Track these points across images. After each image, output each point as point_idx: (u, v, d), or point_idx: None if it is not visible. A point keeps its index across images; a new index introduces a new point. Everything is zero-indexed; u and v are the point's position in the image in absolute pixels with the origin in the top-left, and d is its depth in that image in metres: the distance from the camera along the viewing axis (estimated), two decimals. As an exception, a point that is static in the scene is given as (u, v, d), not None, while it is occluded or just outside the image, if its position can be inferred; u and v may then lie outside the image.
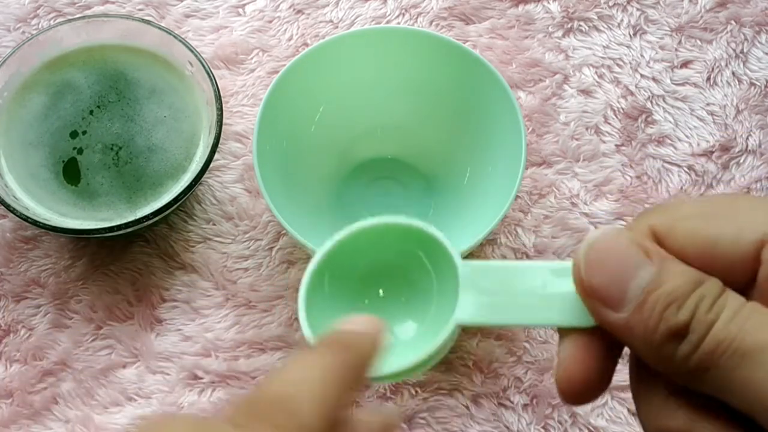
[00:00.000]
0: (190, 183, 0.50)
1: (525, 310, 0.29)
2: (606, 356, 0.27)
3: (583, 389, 0.27)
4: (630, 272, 0.25)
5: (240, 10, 0.59)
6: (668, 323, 0.24)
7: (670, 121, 0.57)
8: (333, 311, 0.31)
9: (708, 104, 0.57)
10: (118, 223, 0.49)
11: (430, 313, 0.32)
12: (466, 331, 0.51)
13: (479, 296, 0.29)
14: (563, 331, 0.28)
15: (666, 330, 0.24)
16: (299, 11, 0.59)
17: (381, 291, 0.33)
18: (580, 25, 0.59)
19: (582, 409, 0.50)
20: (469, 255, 0.53)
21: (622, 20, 0.59)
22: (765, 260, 0.24)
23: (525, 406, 0.50)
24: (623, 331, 0.25)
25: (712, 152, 0.56)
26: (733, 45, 0.59)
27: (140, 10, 0.59)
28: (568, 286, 0.27)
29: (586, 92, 0.57)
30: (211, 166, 0.51)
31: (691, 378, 0.24)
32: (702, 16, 0.59)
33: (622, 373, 0.52)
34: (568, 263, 0.27)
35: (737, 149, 0.56)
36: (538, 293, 0.29)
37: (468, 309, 0.29)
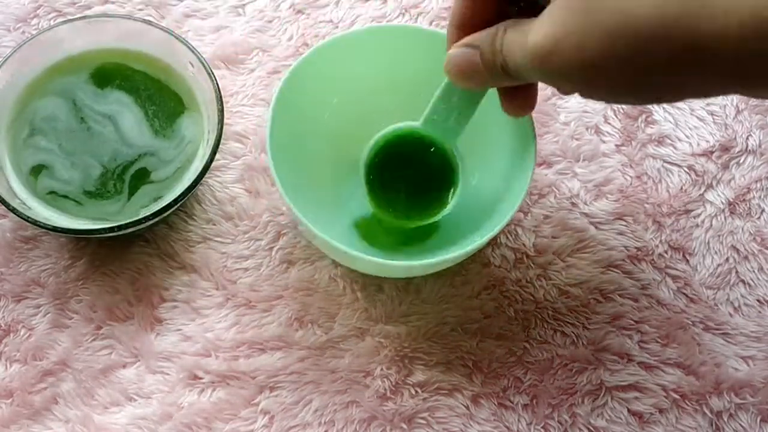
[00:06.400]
0: (190, 183, 0.50)
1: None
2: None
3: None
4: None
5: (240, 10, 0.59)
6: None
7: (670, 121, 0.57)
8: None
9: (708, 104, 0.57)
10: (119, 223, 0.49)
11: None
12: (466, 331, 0.51)
13: None
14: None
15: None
16: (299, 11, 0.59)
17: None
18: (580, 25, 0.59)
19: (582, 409, 0.50)
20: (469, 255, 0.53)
21: (622, 20, 0.59)
22: None
23: (525, 406, 0.50)
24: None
25: (712, 152, 0.56)
26: (733, 45, 0.59)
27: (140, 10, 0.59)
28: None
29: (586, 92, 0.57)
30: (211, 166, 0.51)
31: (506, 76, 0.39)
32: (702, 16, 0.59)
33: (622, 373, 0.51)
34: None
35: (737, 149, 0.56)
36: None
37: None
